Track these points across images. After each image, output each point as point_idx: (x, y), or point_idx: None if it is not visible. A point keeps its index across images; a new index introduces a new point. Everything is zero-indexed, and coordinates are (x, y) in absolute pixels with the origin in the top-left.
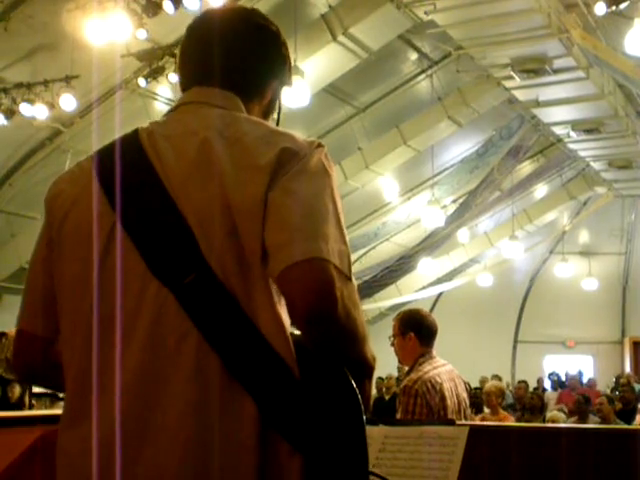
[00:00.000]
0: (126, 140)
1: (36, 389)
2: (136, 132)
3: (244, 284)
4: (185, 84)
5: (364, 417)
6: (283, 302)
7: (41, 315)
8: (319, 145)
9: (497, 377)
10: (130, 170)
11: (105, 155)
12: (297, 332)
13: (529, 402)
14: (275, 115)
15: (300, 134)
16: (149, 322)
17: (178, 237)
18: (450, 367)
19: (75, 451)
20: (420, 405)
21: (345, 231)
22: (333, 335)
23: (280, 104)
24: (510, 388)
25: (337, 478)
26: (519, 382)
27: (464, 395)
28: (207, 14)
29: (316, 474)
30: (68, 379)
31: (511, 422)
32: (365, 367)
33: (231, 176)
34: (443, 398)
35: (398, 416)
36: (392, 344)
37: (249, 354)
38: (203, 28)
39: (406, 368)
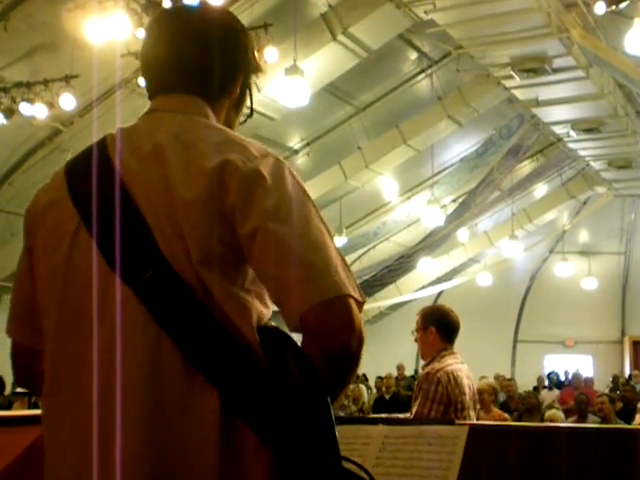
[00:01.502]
0: (96, 144)
1: None
2: (104, 137)
3: (199, 281)
4: (150, 91)
5: (331, 407)
6: (262, 294)
7: (27, 326)
8: (276, 159)
9: (502, 376)
10: (92, 172)
11: (74, 160)
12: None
13: (526, 402)
14: (248, 103)
15: (259, 143)
16: (111, 320)
17: (136, 234)
18: (466, 367)
19: (53, 454)
20: (441, 394)
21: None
22: (353, 367)
23: (251, 92)
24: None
25: (306, 468)
26: (508, 380)
27: (477, 396)
28: (162, 14)
29: (284, 466)
30: (45, 381)
31: (507, 420)
32: (355, 363)
33: (179, 179)
34: (462, 393)
35: (417, 403)
36: (415, 339)
37: (210, 345)
38: (160, 29)
39: (407, 367)
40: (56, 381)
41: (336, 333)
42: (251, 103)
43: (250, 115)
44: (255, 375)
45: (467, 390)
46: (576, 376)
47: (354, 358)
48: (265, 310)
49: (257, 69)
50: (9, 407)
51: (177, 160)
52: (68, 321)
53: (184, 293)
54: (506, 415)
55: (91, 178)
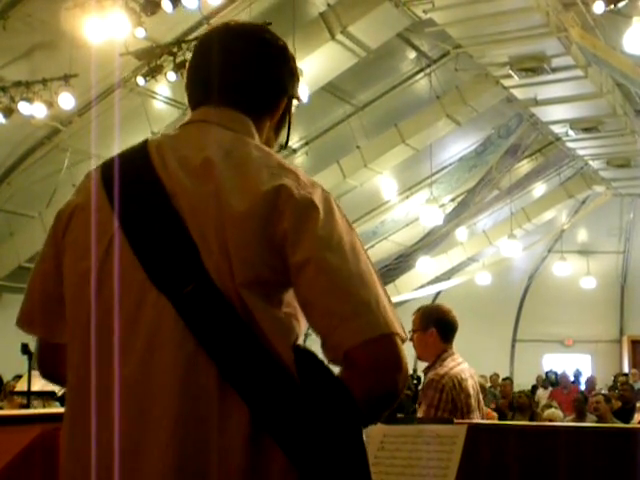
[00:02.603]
0: (134, 149)
1: (35, 387)
2: (145, 142)
3: (239, 297)
4: (194, 101)
5: (364, 436)
6: (297, 314)
7: (49, 321)
8: (323, 190)
9: (504, 377)
10: (135, 178)
11: (112, 163)
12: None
13: (517, 401)
14: (286, 129)
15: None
16: (147, 331)
17: (179, 247)
18: (467, 365)
19: (73, 467)
20: (445, 401)
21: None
22: (393, 405)
23: (290, 118)
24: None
25: None
26: (503, 379)
27: (481, 395)
28: (214, 31)
29: None
30: (68, 387)
31: (493, 418)
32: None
33: (230, 195)
34: (467, 396)
35: (420, 409)
36: (411, 339)
37: (247, 363)
38: (211, 45)
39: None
40: (83, 390)
41: (386, 373)
42: (288, 132)
43: (285, 146)
44: (289, 396)
45: (472, 391)
46: (562, 376)
47: (397, 397)
48: (298, 330)
49: (298, 95)
50: None
51: (228, 178)
52: (99, 327)
53: (225, 309)
54: (493, 413)
55: (132, 184)
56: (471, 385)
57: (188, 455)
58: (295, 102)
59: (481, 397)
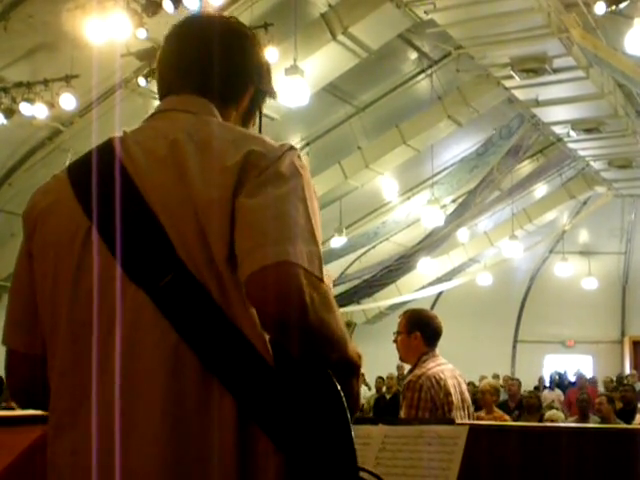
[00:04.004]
0: (99, 147)
1: None
2: (109, 139)
3: (217, 283)
4: (161, 93)
5: (348, 414)
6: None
7: (27, 332)
8: (291, 148)
9: (506, 376)
10: (102, 175)
11: (78, 163)
12: None
13: (526, 401)
14: (256, 123)
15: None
16: (127, 326)
17: (152, 239)
18: (451, 366)
19: (62, 463)
20: (424, 400)
21: (318, 231)
22: (306, 342)
23: (261, 113)
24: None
25: (323, 477)
26: (511, 379)
27: (467, 395)
28: (183, 22)
29: (298, 473)
30: (51, 389)
31: (506, 421)
32: (350, 366)
33: (198, 178)
34: (447, 394)
35: (402, 411)
36: (395, 340)
37: (228, 351)
38: (178, 36)
39: (406, 367)
40: (67, 389)
41: (276, 296)
42: (260, 123)
43: None
44: (270, 382)
45: (452, 390)
46: (580, 376)
47: (302, 325)
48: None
49: (269, 90)
50: None
51: (195, 163)
52: (80, 328)
53: (203, 299)
54: (506, 417)
55: (100, 182)
56: (452, 384)
57: (178, 448)
58: (267, 98)
59: (467, 396)
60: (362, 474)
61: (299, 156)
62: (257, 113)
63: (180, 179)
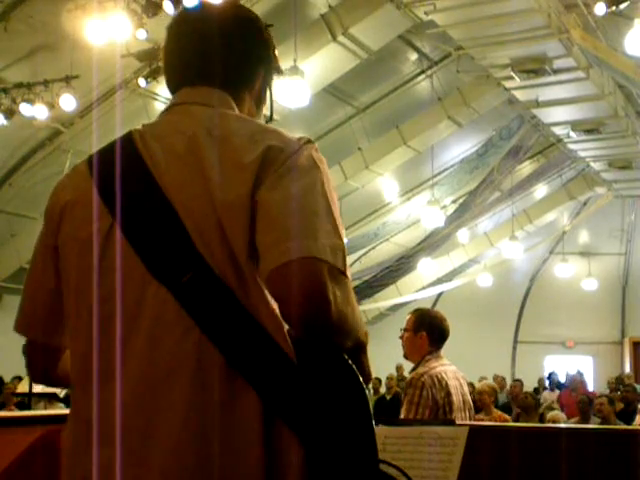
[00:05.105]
0: (121, 142)
1: (36, 389)
2: (130, 134)
3: (239, 279)
4: (172, 86)
5: (370, 408)
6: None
7: (47, 323)
8: (308, 141)
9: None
10: (125, 171)
11: (100, 157)
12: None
13: (523, 402)
14: (268, 104)
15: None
16: (149, 323)
17: (174, 236)
18: (455, 368)
19: (77, 451)
20: (426, 397)
21: (340, 224)
22: (326, 336)
23: (272, 92)
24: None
25: (346, 468)
26: (514, 381)
27: (469, 397)
28: (182, 13)
29: (322, 465)
30: (72, 383)
31: (507, 421)
32: (359, 345)
33: (217, 174)
34: (449, 394)
35: (403, 409)
36: (401, 337)
37: (251, 347)
38: (180, 27)
39: (405, 367)
40: (88, 384)
41: (300, 292)
42: (271, 106)
43: (270, 119)
44: (292, 377)
45: (454, 391)
46: (573, 378)
47: (325, 321)
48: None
49: (277, 67)
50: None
51: (214, 158)
52: (102, 323)
53: (225, 295)
54: (507, 416)
55: (122, 179)
56: (453, 385)
57: (203, 445)
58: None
59: (469, 398)
60: (382, 467)
61: (316, 149)
62: (269, 93)
63: (199, 176)
